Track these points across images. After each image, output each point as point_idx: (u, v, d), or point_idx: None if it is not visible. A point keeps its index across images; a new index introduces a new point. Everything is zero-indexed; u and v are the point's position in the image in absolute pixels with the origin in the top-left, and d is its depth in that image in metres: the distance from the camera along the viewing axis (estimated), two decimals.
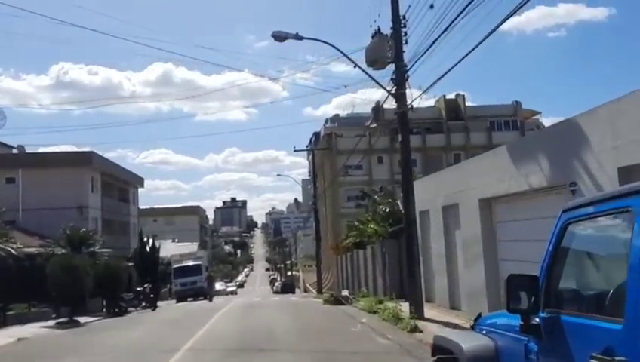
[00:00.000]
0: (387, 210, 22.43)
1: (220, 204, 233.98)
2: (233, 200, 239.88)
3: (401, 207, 22.76)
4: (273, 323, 13.63)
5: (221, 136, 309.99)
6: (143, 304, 23.60)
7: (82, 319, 19.59)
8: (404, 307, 12.81)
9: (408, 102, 12.73)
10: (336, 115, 70.81)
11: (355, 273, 28.04)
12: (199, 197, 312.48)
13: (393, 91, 12.84)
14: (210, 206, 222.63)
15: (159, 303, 24.94)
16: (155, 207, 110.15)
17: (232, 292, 67.52)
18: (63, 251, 23.73)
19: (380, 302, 16.77)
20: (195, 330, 12.85)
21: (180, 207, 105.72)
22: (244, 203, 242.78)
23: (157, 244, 37.15)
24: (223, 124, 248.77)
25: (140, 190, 53.98)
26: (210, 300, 29.46)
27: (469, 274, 12.19)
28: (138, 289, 23.57)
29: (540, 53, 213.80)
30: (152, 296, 23.65)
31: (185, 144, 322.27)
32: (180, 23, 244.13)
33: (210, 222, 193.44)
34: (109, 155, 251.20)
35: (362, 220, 25.55)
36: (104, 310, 23.53)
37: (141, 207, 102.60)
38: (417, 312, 12.30)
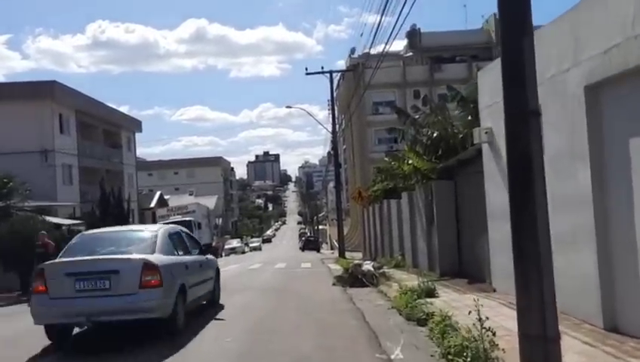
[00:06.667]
0: (434, 135, 14.13)
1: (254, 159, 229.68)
2: (266, 153, 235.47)
3: (457, 129, 14.43)
4: None
5: (255, 91, 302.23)
6: None
7: None
8: (490, 313, 4.84)
9: None
10: (366, 53, 61.73)
11: (386, 232, 20.06)
12: (235, 153, 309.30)
13: None
14: (246, 161, 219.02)
15: None
16: (174, 158, 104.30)
17: (254, 249, 62.30)
18: None
19: (430, 294, 8.83)
20: None
21: (201, 158, 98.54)
22: (276, 156, 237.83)
23: (126, 194, 29.54)
24: (257, 80, 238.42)
25: (175, 145, 47.57)
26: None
27: None
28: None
29: None
30: None
31: (220, 100, 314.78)
32: None
33: (245, 176, 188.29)
34: (146, 113, 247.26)
35: (395, 155, 17.39)
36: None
37: (164, 158, 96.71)
38: (547, 348, 4.21)
